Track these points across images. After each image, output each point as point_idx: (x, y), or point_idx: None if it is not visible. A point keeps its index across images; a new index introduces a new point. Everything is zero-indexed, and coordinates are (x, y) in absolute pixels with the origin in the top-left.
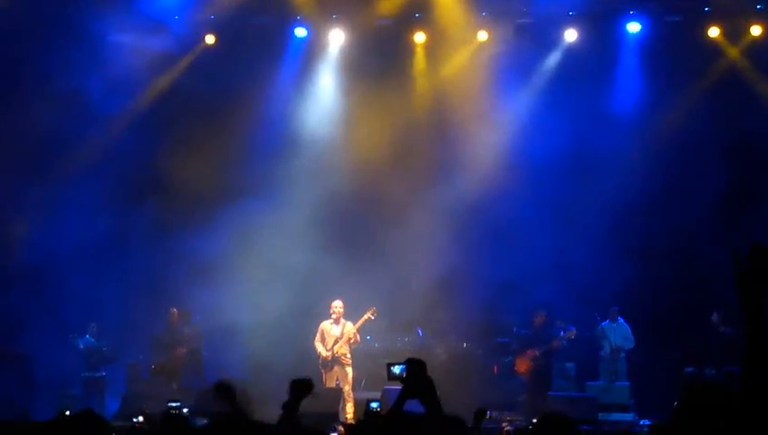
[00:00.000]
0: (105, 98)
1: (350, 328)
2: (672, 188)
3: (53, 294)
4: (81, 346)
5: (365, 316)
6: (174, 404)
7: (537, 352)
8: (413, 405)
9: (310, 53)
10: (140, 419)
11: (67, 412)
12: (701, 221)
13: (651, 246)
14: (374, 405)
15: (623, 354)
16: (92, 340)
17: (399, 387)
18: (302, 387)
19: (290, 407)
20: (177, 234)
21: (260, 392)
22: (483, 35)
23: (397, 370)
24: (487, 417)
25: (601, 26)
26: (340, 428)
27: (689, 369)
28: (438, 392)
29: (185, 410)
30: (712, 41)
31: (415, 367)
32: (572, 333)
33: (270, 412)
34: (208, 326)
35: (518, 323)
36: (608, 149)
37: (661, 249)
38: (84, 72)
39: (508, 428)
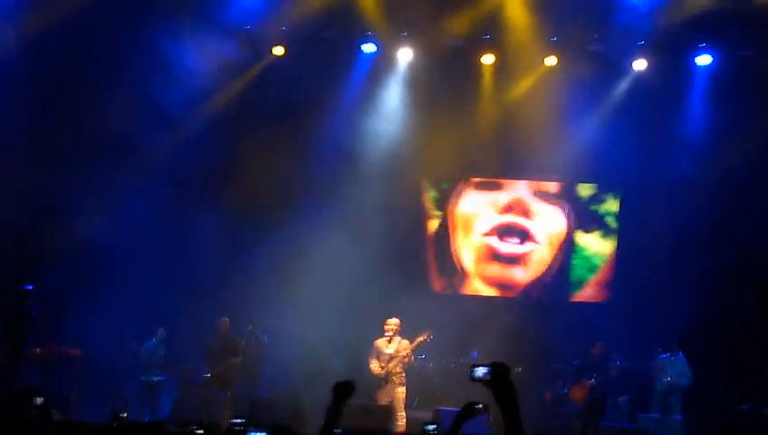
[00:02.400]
0: (175, 102)
1: (404, 346)
2: (739, 221)
3: (112, 294)
4: (142, 350)
5: (419, 338)
6: (237, 421)
7: (594, 381)
8: (468, 428)
9: (378, 69)
10: (200, 431)
11: (124, 414)
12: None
13: (715, 277)
14: (430, 428)
15: (678, 390)
16: (153, 345)
17: (454, 409)
18: (344, 389)
19: (333, 410)
20: (239, 242)
21: (312, 405)
22: (552, 60)
23: (480, 372)
24: None
25: (671, 57)
26: None
27: (745, 406)
28: (492, 416)
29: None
30: None
31: (500, 370)
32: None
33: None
34: (267, 338)
35: (575, 352)
36: (674, 180)
37: (725, 281)
38: (156, 76)
39: None
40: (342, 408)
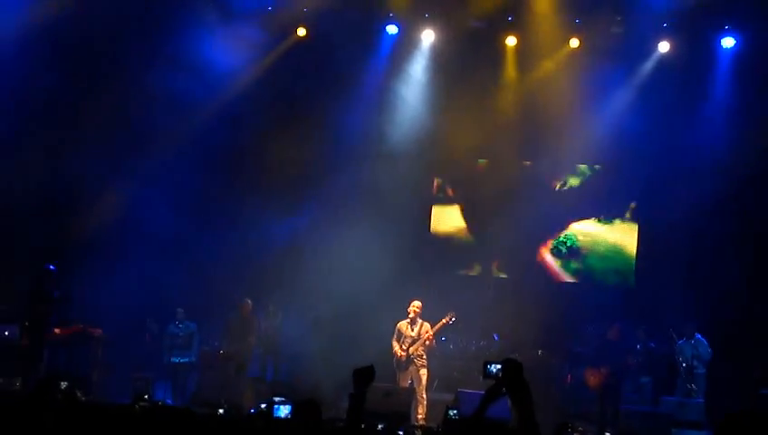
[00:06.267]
0: (196, 86)
1: (426, 329)
2: (756, 205)
3: (133, 274)
4: (165, 332)
5: (443, 320)
6: (278, 399)
7: (609, 369)
8: (491, 411)
9: (400, 50)
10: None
11: (145, 397)
12: None
13: (738, 259)
14: (452, 413)
15: (701, 371)
16: (175, 326)
17: (474, 391)
18: (364, 375)
19: (356, 396)
20: (261, 223)
21: (332, 388)
22: (575, 42)
23: (494, 369)
24: (568, 431)
25: (696, 39)
26: (418, 432)
27: (765, 391)
28: None
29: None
30: None
31: (512, 368)
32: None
33: (344, 407)
34: (287, 319)
35: (594, 334)
36: (699, 162)
37: (748, 264)
38: (180, 60)
39: None
40: (365, 393)
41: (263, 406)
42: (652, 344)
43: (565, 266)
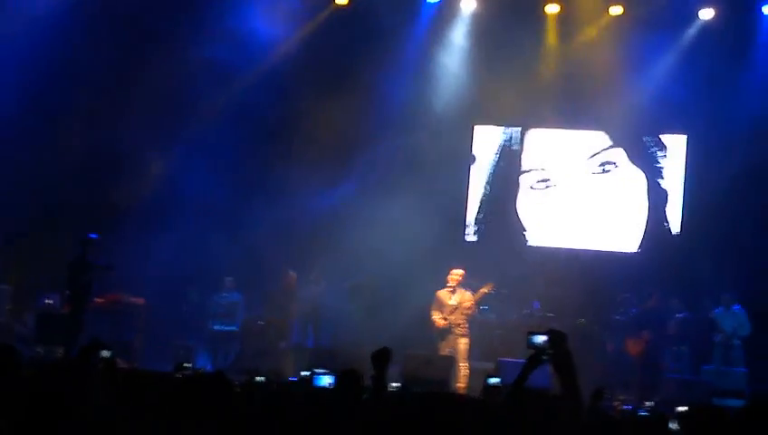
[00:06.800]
0: (238, 55)
1: (467, 298)
2: None
3: (175, 245)
4: (211, 300)
5: (483, 290)
6: (320, 371)
7: (649, 336)
8: (533, 379)
9: (441, 18)
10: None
11: (187, 365)
12: None
13: None
14: (493, 381)
15: (737, 342)
16: (226, 295)
17: (515, 360)
18: (381, 358)
19: (377, 378)
20: (301, 191)
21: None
22: (617, 9)
23: (538, 340)
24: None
25: (738, 6)
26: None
27: None
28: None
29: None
30: None
31: (558, 337)
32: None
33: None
34: (329, 287)
35: (634, 302)
36: (742, 128)
37: None
38: (220, 29)
39: (621, 408)
40: (385, 374)
41: (303, 374)
42: (688, 314)
43: None
